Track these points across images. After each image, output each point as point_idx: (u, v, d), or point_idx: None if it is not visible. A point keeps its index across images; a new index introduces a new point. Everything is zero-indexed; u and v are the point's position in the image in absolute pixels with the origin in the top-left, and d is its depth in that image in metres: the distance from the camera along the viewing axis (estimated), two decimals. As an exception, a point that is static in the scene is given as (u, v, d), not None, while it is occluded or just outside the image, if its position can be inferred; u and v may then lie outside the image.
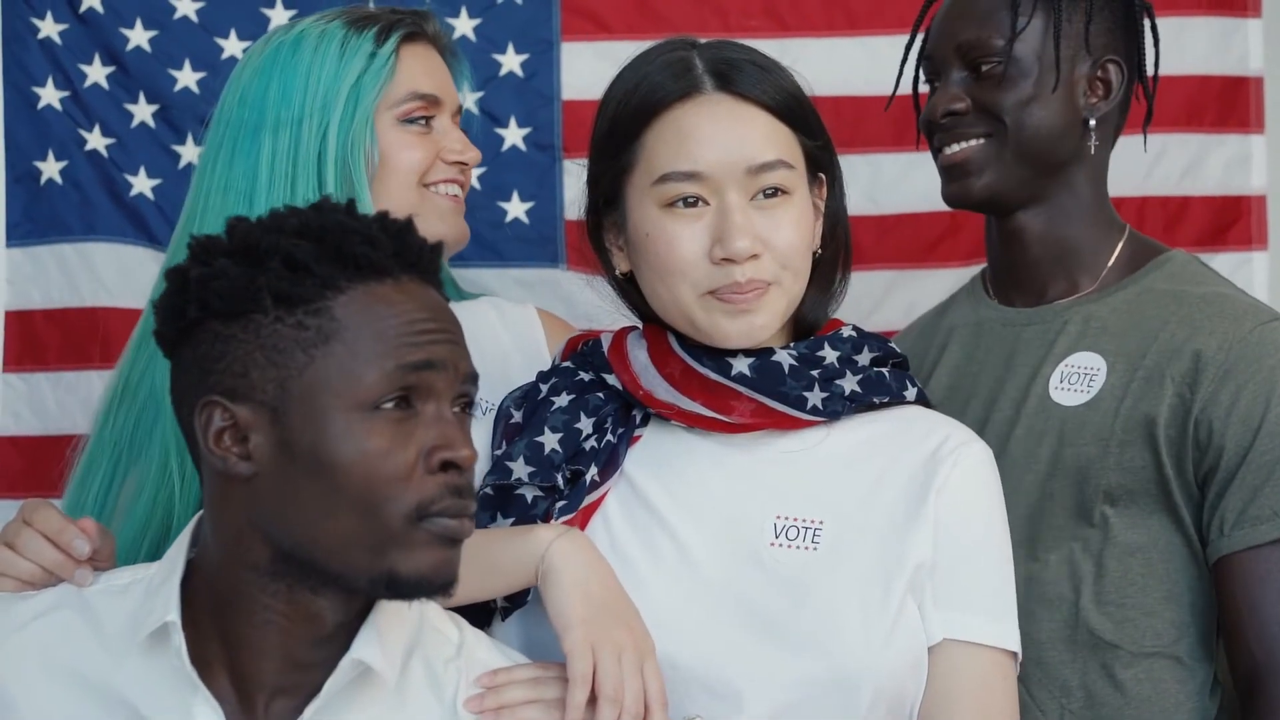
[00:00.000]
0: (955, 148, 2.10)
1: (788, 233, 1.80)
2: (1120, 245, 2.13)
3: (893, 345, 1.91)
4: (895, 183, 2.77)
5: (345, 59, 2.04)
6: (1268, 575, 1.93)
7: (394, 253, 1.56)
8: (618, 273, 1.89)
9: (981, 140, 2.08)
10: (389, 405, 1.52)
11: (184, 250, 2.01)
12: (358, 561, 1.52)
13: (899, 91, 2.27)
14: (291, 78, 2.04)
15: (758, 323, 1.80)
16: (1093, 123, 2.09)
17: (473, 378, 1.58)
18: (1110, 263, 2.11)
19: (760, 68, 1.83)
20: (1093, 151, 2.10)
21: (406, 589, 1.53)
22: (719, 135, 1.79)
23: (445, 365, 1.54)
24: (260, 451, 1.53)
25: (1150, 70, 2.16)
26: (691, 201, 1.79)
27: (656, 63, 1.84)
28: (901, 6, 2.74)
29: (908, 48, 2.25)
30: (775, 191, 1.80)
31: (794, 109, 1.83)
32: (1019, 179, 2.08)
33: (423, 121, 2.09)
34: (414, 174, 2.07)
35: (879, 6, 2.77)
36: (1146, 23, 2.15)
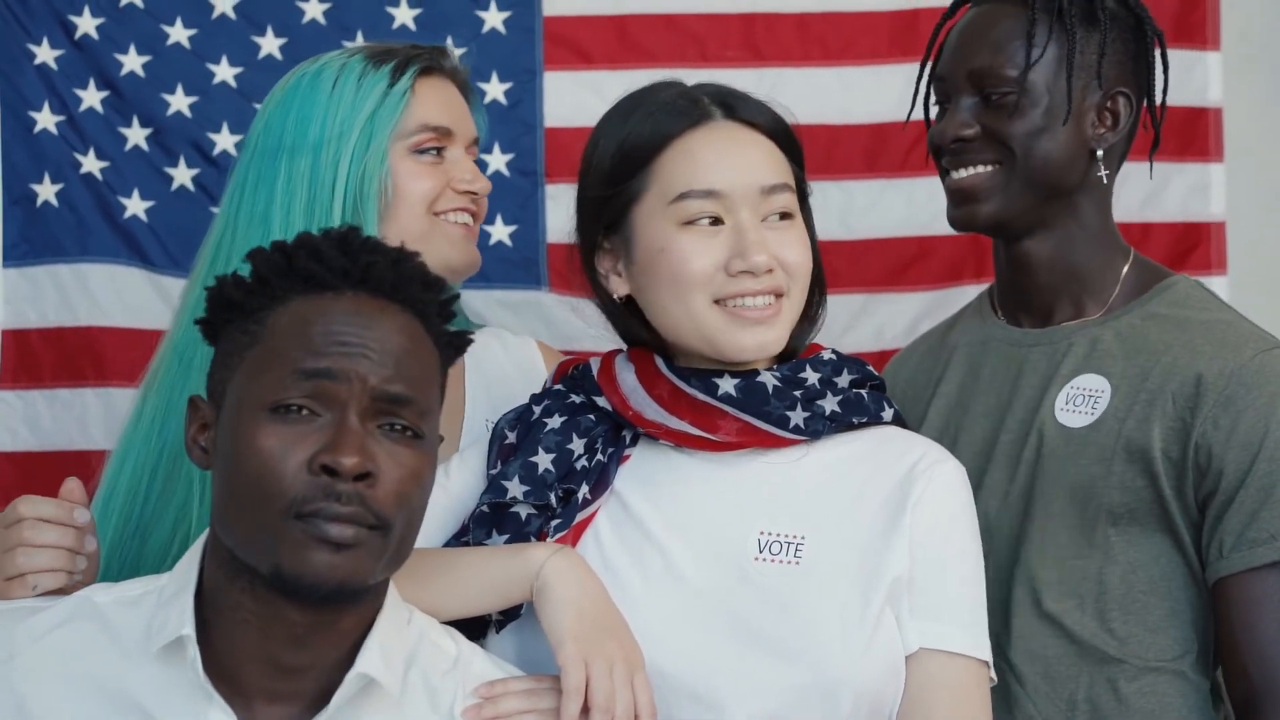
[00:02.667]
0: (963, 173, 2.09)
1: (798, 251, 1.87)
2: (1126, 269, 2.12)
3: (870, 368, 1.96)
4: (867, 209, 2.80)
5: (362, 91, 2.09)
6: (1265, 597, 1.94)
7: (341, 268, 1.61)
8: (616, 297, 1.93)
9: (990, 167, 2.07)
10: (289, 408, 1.56)
11: (208, 277, 2.07)
12: (253, 555, 1.57)
13: (914, 114, 2.24)
14: (310, 107, 2.09)
15: (771, 336, 1.86)
16: (1100, 153, 2.08)
17: (394, 399, 1.59)
18: (1116, 287, 2.11)
19: (756, 100, 1.90)
20: (1105, 181, 2.09)
21: (294, 586, 1.56)
22: (730, 157, 1.86)
23: (347, 377, 1.57)
24: (211, 446, 1.62)
25: (1159, 99, 2.15)
26: (707, 220, 1.84)
27: (660, 98, 1.90)
28: (874, 38, 2.81)
29: (921, 68, 2.22)
30: (783, 215, 1.86)
31: (789, 136, 1.91)
32: (1025, 206, 2.07)
33: (434, 152, 2.13)
34: (423, 203, 2.11)
35: (852, 38, 2.82)
36: (1157, 53, 2.13)
